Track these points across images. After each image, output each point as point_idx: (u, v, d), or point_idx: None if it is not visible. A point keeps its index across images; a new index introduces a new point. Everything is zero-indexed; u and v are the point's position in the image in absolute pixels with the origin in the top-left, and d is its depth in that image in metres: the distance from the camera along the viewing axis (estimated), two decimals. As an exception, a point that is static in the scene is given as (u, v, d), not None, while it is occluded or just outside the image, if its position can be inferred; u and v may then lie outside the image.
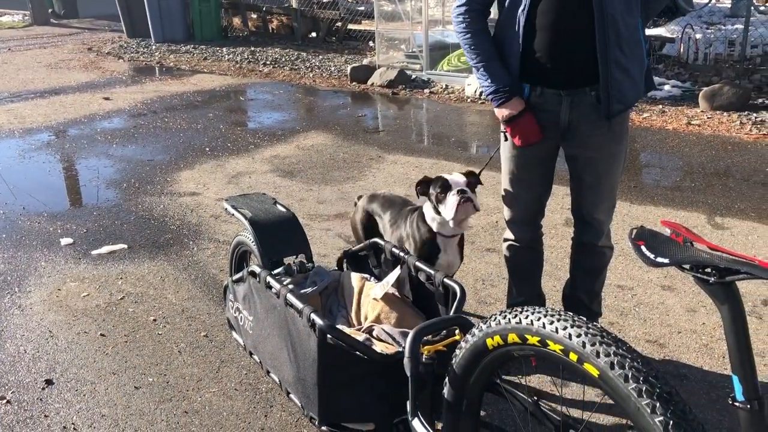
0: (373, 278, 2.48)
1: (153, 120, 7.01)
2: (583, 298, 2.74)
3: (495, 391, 1.77)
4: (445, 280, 2.17)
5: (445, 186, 2.47)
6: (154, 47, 11.75)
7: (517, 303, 2.73)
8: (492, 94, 2.40)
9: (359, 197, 3.03)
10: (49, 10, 16.72)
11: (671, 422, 1.23)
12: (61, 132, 6.66)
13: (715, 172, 4.95)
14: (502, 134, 2.52)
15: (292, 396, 2.14)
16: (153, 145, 6.09)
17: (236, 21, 12.93)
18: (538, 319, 1.46)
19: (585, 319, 1.44)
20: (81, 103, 7.87)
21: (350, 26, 11.42)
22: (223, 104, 7.76)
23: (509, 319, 1.51)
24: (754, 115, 6.28)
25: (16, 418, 2.49)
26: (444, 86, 8.09)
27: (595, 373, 1.34)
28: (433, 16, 8.93)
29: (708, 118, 6.34)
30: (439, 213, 2.50)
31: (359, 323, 2.39)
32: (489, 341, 1.56)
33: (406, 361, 1.78)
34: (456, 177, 2.51)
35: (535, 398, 1.70)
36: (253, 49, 11.16)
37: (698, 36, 8.35)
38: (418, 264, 2.30)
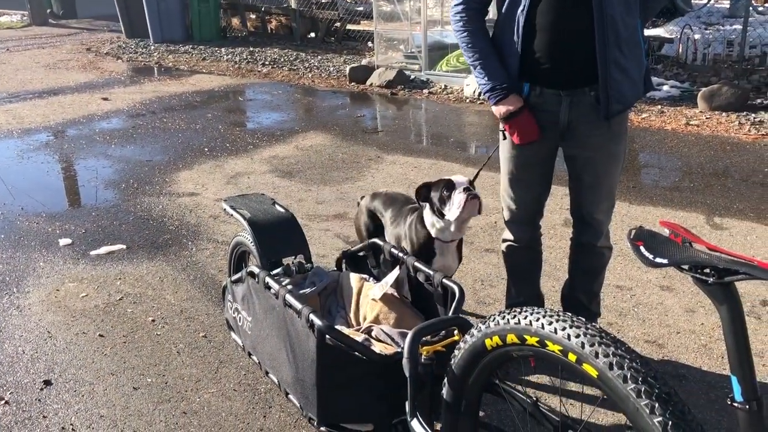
0: (372, 279, 2.47)
1: (152, 120, 7.00)
2: (581, 298, 2.74)
3: (494, 391, 1.77)
4: (444, 280, 2.17)
5: (450, 185, 2.47)
6: (152, 47, 11.73)
7: (516, 303, 2.73)
8: (489, 91, 2.40)
9: (362, 197, 3.03)
10: (48, 11, 16.69)
11: (670, 423, 1.23)
12: (60, 132, 6.65)
13: (713, 172, 4.96)
14: (500, 133, 2.52)
15: (290, 396, 2.14)
16: (152, 146, 6.09)
17: (235, 21, 12.93)
18: (537, 320, 1.46)
19: (584, 319, 1.44)
20: (79, 103, 7.87)
21: (349, 26, 11.42)
22: (221, 104, 7.75)
23: (508, 319, 1.51)
24: (753, 115, 6.29)
25: (15, 418, 2.48)
26: (443, 86, 8.09)
27: (594, 373, 1.34)
28: (432, 16, 8.93)
29: (707, 118, 6.34)
30: (441, 217, 2.48)
31: (358, 324, 2.39)
32: (488, 342, 1.55)
33: (405, 361, 1.78)
34: (458, 177, 2.51)
35: (534, 399, 1.70)
36: (251, 49, 11.15)
37: (697, 36, 8.36)
38: (417, 264, 2.30)
